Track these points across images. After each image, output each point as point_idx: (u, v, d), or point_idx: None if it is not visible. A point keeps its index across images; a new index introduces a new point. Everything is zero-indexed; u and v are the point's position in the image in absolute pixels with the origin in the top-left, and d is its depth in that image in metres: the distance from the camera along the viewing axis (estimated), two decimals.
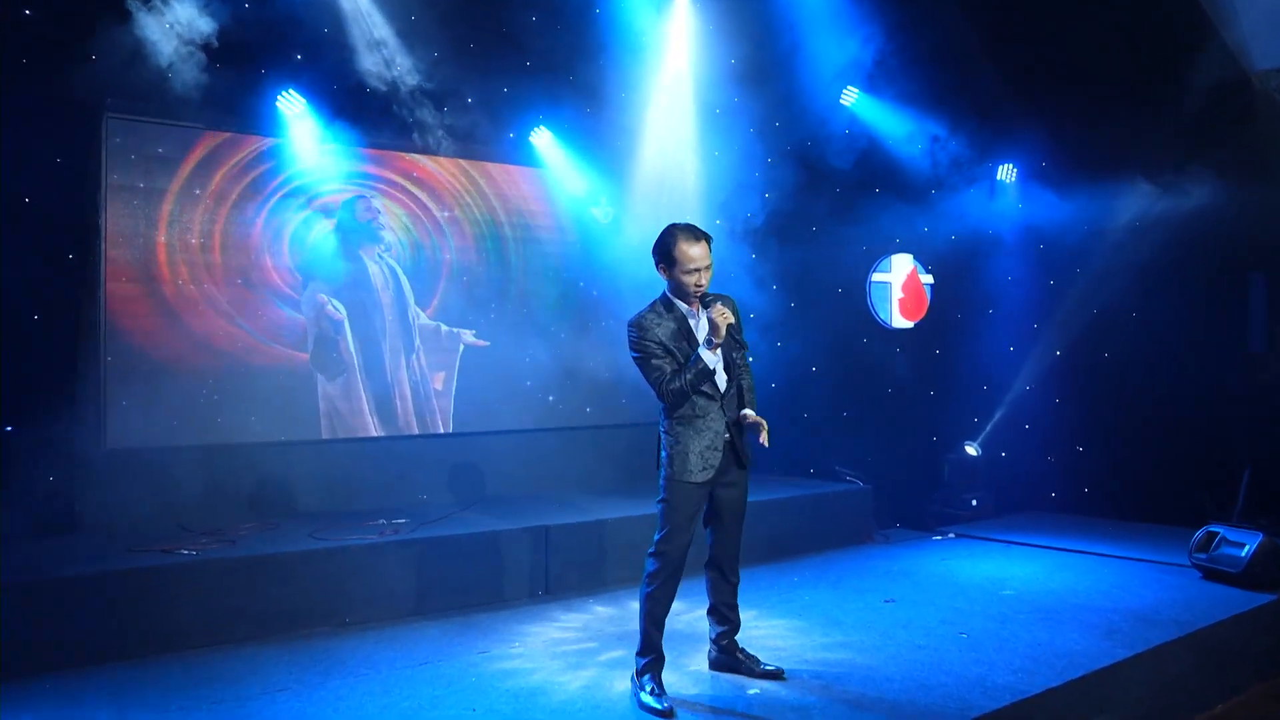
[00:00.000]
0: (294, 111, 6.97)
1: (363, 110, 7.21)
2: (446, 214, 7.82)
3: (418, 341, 7.66)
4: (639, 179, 8.43)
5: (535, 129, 8.05)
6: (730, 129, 8.49)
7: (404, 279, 7.62)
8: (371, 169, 7.49)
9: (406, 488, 7.28)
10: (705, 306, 4.01)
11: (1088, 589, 6.09)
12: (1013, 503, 8.86)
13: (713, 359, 3.96)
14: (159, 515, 6.25)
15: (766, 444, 4.11)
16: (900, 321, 8.95)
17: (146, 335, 6.51)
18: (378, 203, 7.53)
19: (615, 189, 8.42)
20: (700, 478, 4.01)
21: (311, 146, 7.09)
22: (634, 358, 4.08)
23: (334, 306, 7.28)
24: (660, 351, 4.01)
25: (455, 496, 7.40)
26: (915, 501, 8.57)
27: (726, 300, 4.10)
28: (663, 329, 4.02)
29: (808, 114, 8.62)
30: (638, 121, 8.34)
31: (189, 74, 6.37)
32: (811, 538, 7.44)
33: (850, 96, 8.70)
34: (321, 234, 7.26)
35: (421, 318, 7.69)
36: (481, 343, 7.92)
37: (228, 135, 6.88)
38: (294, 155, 7.06)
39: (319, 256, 7.21)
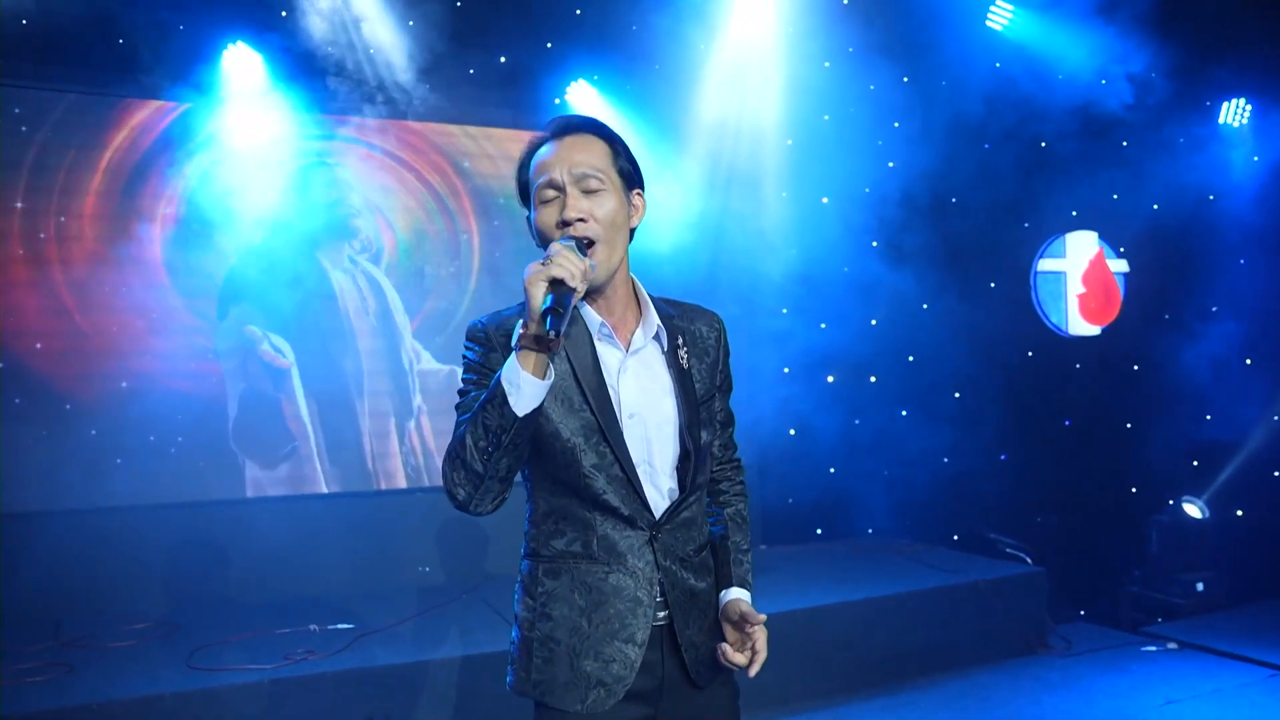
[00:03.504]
0: (239, 68, 5.23)
1: (330, 69, 5.44)
2: (449, 193, 5.88)
3: (418, 398, 5.61)
4: (705, 144, 6.33)
5: (571, 85, 6.08)
6: (838, 79, 6.41)
7: (392, 293, 5.63)
8: (344, 135, 5.62)
9: (392, 556, 5.41)
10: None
11: None
12: (1259, 586, 6.17)
13: (531, 380, 1.69)
14: (45, 600, 4.67)
15: (752, 673, 1.90)
16: (1081, 326, 6.80)
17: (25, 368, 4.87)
18: (345, 176, 5.56)
19: (673, 158, 6.33)
20: (587, 705, 1.83)
21: (253, 109, 5.28)
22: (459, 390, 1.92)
23: (272, 347, 5.25)
24: (487, 380, 1.90)
25: (459, 570, 5.48)
26: (1107, 584, 6.31)
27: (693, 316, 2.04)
28: (509, 340, 1.88)
29: (943, 47, 6.36)
30: (700, 73, 6.26)
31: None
32: (953, 649, 5.12)
33: (1002, 17, 6.35)
34: (255, 230, 5.23)
35: (424, 357, 5.66)
36: None
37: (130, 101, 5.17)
38: (218, 121, 5.26)
39: (249, 266, 5.24)
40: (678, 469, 1.91)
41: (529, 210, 1.90)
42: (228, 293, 5.18)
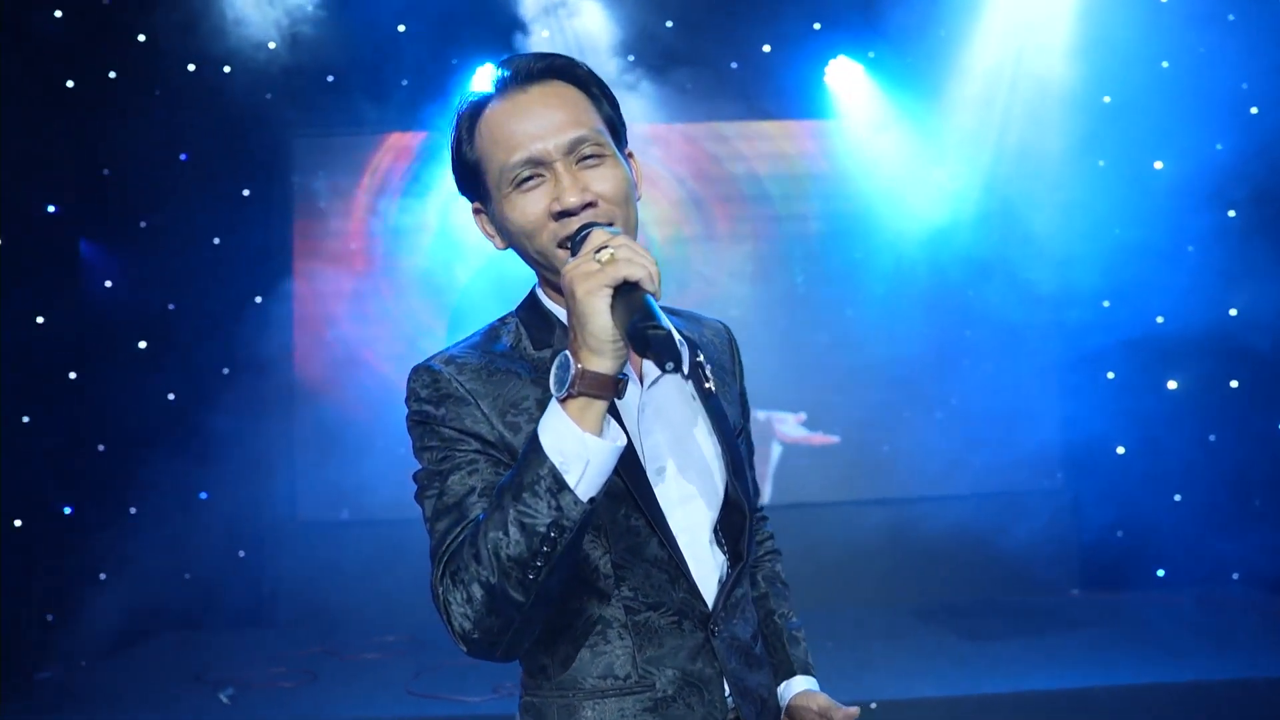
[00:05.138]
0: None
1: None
2: (707, 195, 5.52)
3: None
4: (984, 113, 5.38)
5: (828, 64, 5.50)
6: (1179, 14, 5.21)
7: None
8: None
9: None
10: (577, 250, 1.20)
11: None
12: None
13: (603, 446, 1.13)
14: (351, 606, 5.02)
15: None
16: None
17: (337, 389, 5.29)
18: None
19: (946, 130, 5.46)
20: None
21: None
22: (416, 475, 1.29)
23: None
24: (469, 451, 1.25)
25: None
26: None
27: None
28: (491, 387, 1.29)
29: None
30: (977, 30, 5.32)
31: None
32: None
33: None
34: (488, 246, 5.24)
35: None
36: (826, 438, 5.41)
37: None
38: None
39: (476, 290, 5.20)
40: (723, 531, 1.36)
41: (482, 203, 1.35)
42: (458, 318, 5.20)
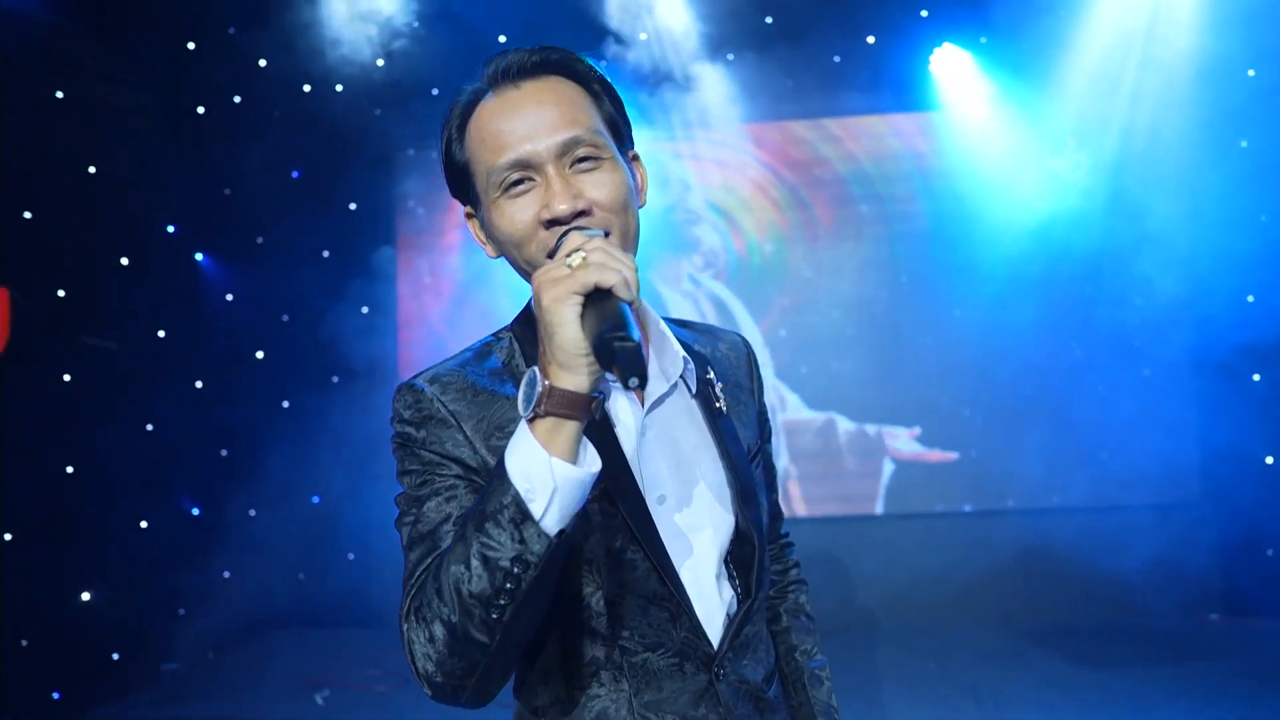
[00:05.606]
0: None
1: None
2: (805, 185, 5.34)
3: (785, 457, 4.97)
4: (1104, 99, 5.01)
5: (935, 50, 5.23)
6: None
7: (744, 320, 5.16)
8: (680, 133, 5.31)
9: None
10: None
11: None
12: None
13: (572, 473, 1.01)
14: None
15: None
16: None
17: None
18: (681, 175, 5.22)
19: (1075, 126, 5.10)
20: None
21: None
22: (396, 499, 1.19)
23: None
24: (449, 477, 1.16)
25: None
26: None
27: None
28: (476, 408, 1.19)
29: None
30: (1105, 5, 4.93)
31: None
32: None
33: None
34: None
35: (791, 402, 5.02)
36: (943, 454, 5.13)
37: None
38: None
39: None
40: (734, 564, 1.24)
41: (473, 207, 1.24)
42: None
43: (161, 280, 5.11)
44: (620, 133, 1.24)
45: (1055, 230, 4.94)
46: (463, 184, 1.23)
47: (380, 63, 5.43)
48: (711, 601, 1.21)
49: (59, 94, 4.61)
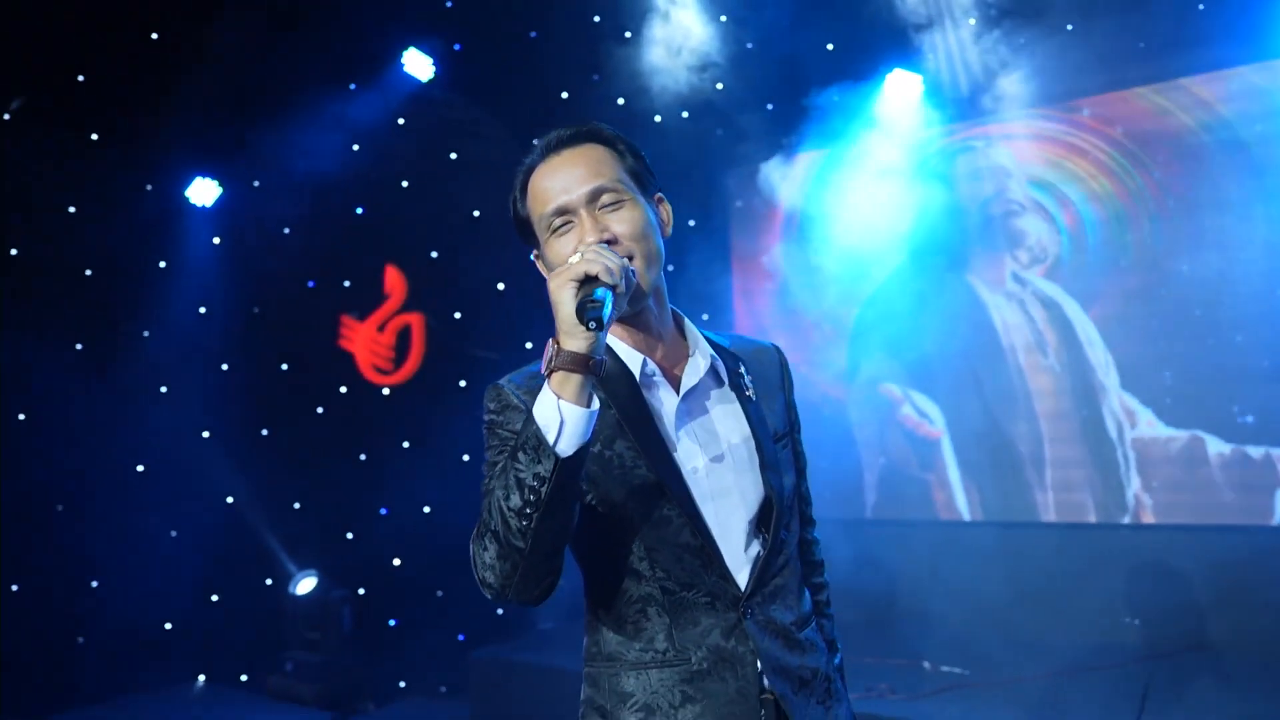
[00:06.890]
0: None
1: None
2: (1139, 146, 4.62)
3: (1135, 484, 3.98)
4: None
5: None
6: None
7: (1083, 323, 4.20)
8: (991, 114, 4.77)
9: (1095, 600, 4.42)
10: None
11: None
12: None
13: (575, 410, 1.39)
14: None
15: None
16: None
17: None
18: (1001, 161, 4.53)
19: None
20: None
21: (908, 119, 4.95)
22: (483, 467, 1.61)
23: (916, 411, 4.23)
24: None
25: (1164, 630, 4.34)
26: None
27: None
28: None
29: None
30: None
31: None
32: None
33: None
34: (888, 256, 4.51)
35: (1142, 418, 3.99)
36: None
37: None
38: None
39: (879, 305, 4.60)
40: (757, 523, 1.56)
41: (537, 249, 1.64)
42: (858, 344, 4.49)
43: (534, 300, 6.00)
44: (643, 180, 1.61)
45: None
46: (526, 232, 1.64)
47: (720, 86, 5.82)
48: (738, 552, 1.53)
49: (453, 155, 5.72)
